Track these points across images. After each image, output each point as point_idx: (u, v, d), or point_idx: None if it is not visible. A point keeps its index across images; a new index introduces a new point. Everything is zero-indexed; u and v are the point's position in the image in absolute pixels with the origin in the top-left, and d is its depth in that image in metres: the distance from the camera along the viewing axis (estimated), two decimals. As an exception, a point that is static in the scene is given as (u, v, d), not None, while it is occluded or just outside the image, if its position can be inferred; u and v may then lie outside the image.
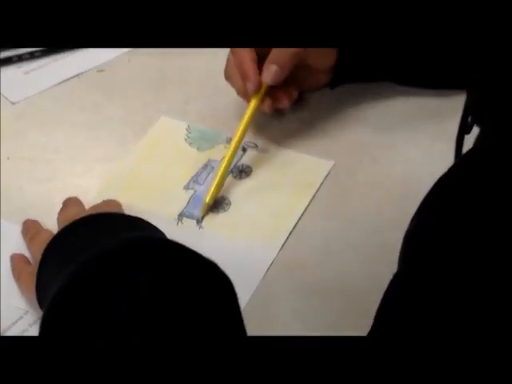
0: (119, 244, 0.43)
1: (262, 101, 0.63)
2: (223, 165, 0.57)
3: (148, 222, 0.50)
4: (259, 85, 0.63)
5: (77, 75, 0.72)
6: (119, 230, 0.48)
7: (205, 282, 0.42)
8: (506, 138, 0.46)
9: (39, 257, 0.49)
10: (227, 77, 0.67)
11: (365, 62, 0.68)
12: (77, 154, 0.63)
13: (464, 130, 0.48)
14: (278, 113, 0.66)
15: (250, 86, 0.63)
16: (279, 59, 0.65)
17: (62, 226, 0.50)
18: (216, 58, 0.68)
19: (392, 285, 0.40)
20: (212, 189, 0.57)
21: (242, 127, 0.60)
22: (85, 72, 0.72)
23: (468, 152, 0.43)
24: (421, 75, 0.66)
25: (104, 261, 0.42)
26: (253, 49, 0.66)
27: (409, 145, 0.61)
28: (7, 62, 0.74)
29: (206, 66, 0.71)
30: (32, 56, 0.76)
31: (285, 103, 0.66)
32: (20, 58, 0.75)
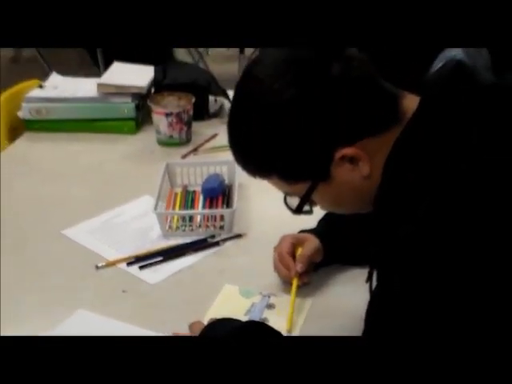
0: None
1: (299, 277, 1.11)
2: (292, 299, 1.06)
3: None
4: (296, 272, 1.10)
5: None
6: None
7: None
8: None
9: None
10: (275, 268, 1.14)
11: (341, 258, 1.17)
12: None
13: None
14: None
15: (293, 274, 1.10)
16: (302, 259, 1.12)
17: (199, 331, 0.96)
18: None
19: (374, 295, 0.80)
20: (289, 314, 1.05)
21: (293, 296, 1.07)
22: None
23: None
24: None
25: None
26: (289, 247, 1.14)
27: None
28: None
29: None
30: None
31: (307, 280, 1.14)
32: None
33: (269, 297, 1.10)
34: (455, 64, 0.89)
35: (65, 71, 1.91)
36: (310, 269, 1.14)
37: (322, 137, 0.83)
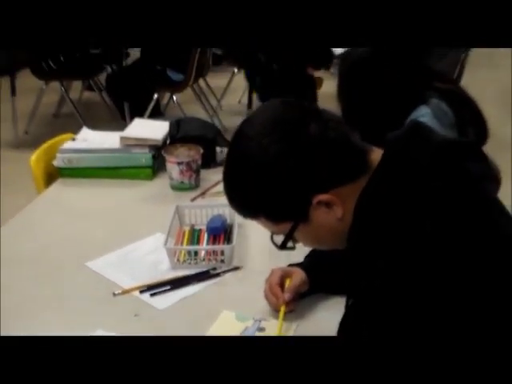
0: None
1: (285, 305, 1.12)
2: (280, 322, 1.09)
3: None
4: (283, 301, 1.12)
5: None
6: None
7: None
8: None
9: None
10: (266, 297, 1.15)
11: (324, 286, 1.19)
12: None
13: None
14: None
15: (281, 302, 1.12)
16: (290, 289, 1.13)
17: None
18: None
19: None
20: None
21: (280, 321, 1.09)
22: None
23: None
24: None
25: None
26: (278, 278, 1.15)
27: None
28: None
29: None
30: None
31: (293, 307, 1.15)
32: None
33: (260, 321, 1.13)
34: (413, 124, 0.93)
35: (97, 125, 1.93)
36: (296, 298, 1.16)
37: (301, 185, 0.85)
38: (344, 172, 0.86)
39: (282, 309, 1.12)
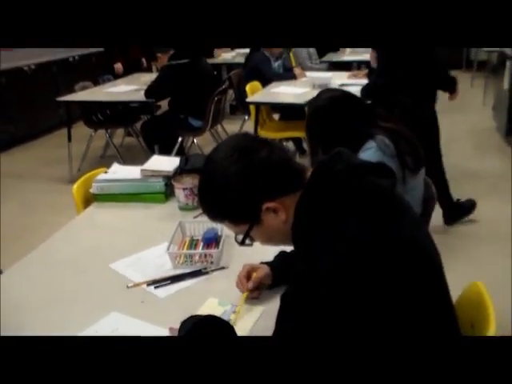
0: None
1: (249, 292, 1.18)
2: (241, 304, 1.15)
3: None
4: (247, 289, 1.17)
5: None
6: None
7: None
8: None
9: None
10: (237, 284, 1.20)
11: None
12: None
13: None
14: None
15: (244, 290, 1.17)
16: (253, 281, 1.17)
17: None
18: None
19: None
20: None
21: (241, 302, 1.15)
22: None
23: None
24: None
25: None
26: (246, 272, 1.19)
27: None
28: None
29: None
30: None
31: (256, 295, 1.20)
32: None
33: (236, 306, 1.19)
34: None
35: (134, 163, 1.98)
36: (260, 287, 1.21)
37: (253, 195, 0.89)
38: (286, 186, 0.90)
39: (244, 295, 1.19)
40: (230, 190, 0.90)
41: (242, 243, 0.98)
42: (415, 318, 0.81)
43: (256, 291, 1.21)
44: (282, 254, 1.27)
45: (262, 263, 1.25)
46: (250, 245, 1.00)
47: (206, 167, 0.95)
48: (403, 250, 0.82)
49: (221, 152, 0.93)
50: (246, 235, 0.96)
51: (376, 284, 0.78)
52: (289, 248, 1.18)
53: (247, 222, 0.93)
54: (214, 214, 0.97)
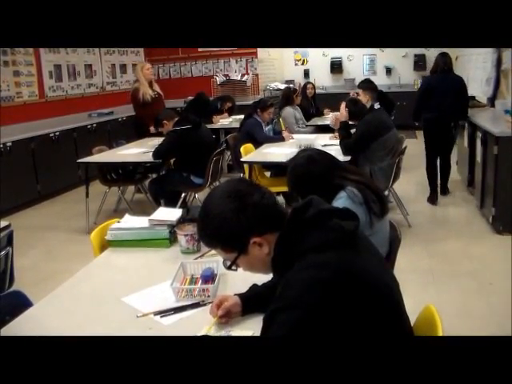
0: None
1: (219, 318, 1.19)
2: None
3: None
4: (215, 315, 1.17)
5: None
6: None
7: None
8: None
9: None
10: (210, 311, 1.21)
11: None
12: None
13: None
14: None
15: (213, 315, 1.18)
16: (222, 308, 1.18)
17: None
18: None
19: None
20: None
21: (210, 326, 1.18)
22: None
23: None
24: None
25: None
26: (218, 301, 1.20)
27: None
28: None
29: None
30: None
31: (225, 321, 1.19)
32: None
33: (229, 331, 1.22)
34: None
35: (142, 213, 2.07)
36: (229, 315, 1.23)
37: (243, 231, 0.95)
38: (271, 225, 0.98)
39: (214, 320, 1.23)
40: (223, 226, 0.97)
41: (229, 268, 1.04)
42: (368, 329, 0.89)
43: (224, 318, 1.23)
44: (254, 286, 1.32)
45: (235, 294, 1.28)
46: (235, 270, 1.06)
47: (204, 205, 1.01)
48: (360, 278, 0.91)
49: (218, 193, 0.99)
50: (233, 262, 1.03)
51: (336, 303, 0.87)
52: (261, 280, 1.25)
53: (236, 251, 1.01)
54: (209, 242, 1.04)
